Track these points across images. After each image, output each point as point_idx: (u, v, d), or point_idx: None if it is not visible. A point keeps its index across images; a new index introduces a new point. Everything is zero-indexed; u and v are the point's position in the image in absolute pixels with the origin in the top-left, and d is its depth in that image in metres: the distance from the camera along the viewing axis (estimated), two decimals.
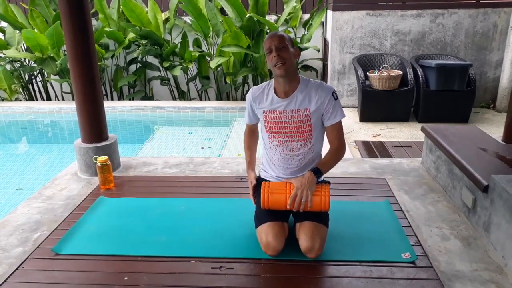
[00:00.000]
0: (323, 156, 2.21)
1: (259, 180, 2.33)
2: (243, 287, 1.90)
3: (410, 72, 4.98)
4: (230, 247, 2.19)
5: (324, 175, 2.14)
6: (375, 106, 5.03)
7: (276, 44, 2.00)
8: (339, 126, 2.14)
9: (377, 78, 4.89)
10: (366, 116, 5.08)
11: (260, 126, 2.27)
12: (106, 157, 2.92)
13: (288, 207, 2.01)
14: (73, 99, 3.92)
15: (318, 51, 6.40)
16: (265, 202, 2.05)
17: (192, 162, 3.40)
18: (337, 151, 2.14)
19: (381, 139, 4.44)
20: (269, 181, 2.20)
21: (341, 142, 2.15)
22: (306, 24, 6.41)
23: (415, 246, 2.17)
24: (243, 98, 6.56)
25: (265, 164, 2.30)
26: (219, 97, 6.60)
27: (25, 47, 6.63)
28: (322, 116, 2.11)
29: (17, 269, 2.05)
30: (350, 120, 5.12)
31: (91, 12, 6.43)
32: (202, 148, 4.92)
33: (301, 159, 2.16)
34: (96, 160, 2.91)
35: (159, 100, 6.91)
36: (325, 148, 2.19)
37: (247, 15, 5.56)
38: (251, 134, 2.40)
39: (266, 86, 2.19)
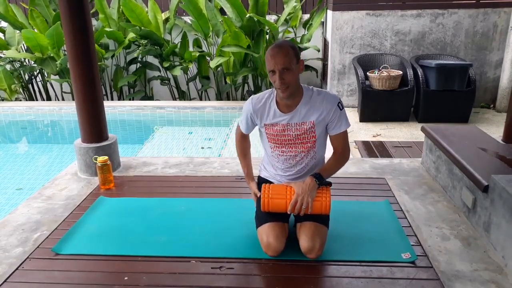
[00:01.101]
0: (326, 160, 2.19)
1: (260, 180, 2.34)
2: (243, 287, 1.91)
3: (410, 72, 4.98)
4: (230, 247, 2.19)
5: None
6: (375, 106, 5.03)
7: (279, 68, 1.89)
8: (344, 135, 2.10)
9: (377, 78, 4.89)
10: (366, 116, 5.08)
11: (261, 135, 2.21)
12: (106, 157, 2.92)
13: (288, 212, 2.01)
14: (73, 99, 3.92)
15: (318, 51, 6.40)
16: (265, 206, 2.05)
17: (192, 162, 3.40)
18: (341, 158, 2.13)
19: (381, 139, 4.44)
20: (270, 181, 2.20)
21: (345, 149, 2.13)
22: (306, 24, 6.41)
23: (415, 246, 2.17)
24: (243, 98, 6.57)
25: (266, 166, 2.29)
26: (219, 97, 6.60)
27: (25, 47, 6.63)
28: (326, 126, 2.08)
29: (17, 269, 2.05)
30: (350, 120, 5.06)
31: (91, 12, 6.43)
32: (202, 148, 4.92)
33: (303, 166, 2.15)
34: (96, 160, 2.90)
35: (159, 100, 6.91)
36: (328, 151, 2.18)
37: (247, 15, 5.56)
38: (244, 140, 2.32)
39: (268, 98, 2.09)
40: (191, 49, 6.49)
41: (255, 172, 2.36)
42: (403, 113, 5.05)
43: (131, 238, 2.29)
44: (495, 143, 2.77)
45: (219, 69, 6.39)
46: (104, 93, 6.89)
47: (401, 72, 4.98)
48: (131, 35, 6.16)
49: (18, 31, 6.42)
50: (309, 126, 2.05)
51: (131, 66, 6.74)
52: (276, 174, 2.23)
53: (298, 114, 2.04)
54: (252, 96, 2.15)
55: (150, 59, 6.73)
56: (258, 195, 2.17)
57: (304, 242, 2.01)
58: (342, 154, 2.13)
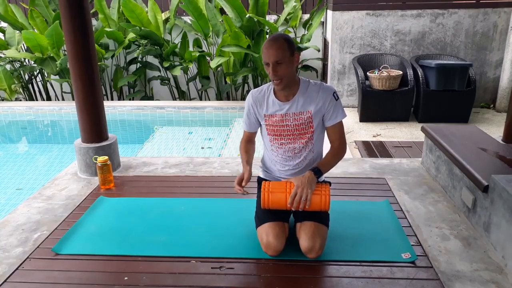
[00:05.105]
0: (324, 154, 2.21)
1: (259, 180, 2.34)
2: (243, 287, 1.91)
3: (410, 72, 4.98)
4: (230, 247, 2.19)
5: (324, 175, 2.13)
6: (375, 106, 5.02)
7: (272, 60, 1.93)
8: (340, 126, 2.13)
9: (377, 78, 4.89)
10: (366, 116, 5.08)
11: (261, 128, 2.24)
12: (106, 157, 2.92)
13: (288, 205, 2.01)
14: (73, 99, 3.92)
15: (318, 51, 6.40)
16: (266, 202, 2.05)
17: (192, 162, 3.40)
18: (338, 151, 2.14)
19: (381, 139, 4.44)
20: (269, 181, 2.20)
21: (341, 142, 2.15)
22: (306, 24, 6.41)
23: (415, 246, 2.17)
24: (243, 98, 6.57)
25: (266, 164, 2.30)
26: (219, 97, 6.60)
27: (25, 47, 6.63)
28: (323, 117, 2.11)
29: (17, 269, 2.05)
30: (350, 120, 5.12)
31: (91, 12, 6.43)
32: (202, 148, 4.92)
33: (302, 160, 2.16)
34: (96, 160, 2.91)
35: (159, 100, 6.91)
36: (326, 145, 2.18)
37: (247, 15, 5.56)
38: (250, 144, 2.28)
39: (266, 89, 2.15)
40: (191, 49, 6.49)
41: (255, 172, 2.36)
42: (403, 113, 5.05)
43: (131, 238, 2.29)
44: (495, 143, 2.77)
45: (219, 69, 6.39)
46: (104, 93, 6.89)
47: (401, 72, 4.98)
48: (131, 35, 6.16)
49: (18, 31, 6.42)
50: (307, 116, 2.08)
51: (131, 66, 6.74)
52: (275, 170, 2.23)
53: (295, 104, 2.08)
54: (251, 90, 2.20)
55: (150, 59, 6.73)
56: (246, 177, 2.07)
57: (304, 241, 2.01)
58: (339, 148, 2.14)
